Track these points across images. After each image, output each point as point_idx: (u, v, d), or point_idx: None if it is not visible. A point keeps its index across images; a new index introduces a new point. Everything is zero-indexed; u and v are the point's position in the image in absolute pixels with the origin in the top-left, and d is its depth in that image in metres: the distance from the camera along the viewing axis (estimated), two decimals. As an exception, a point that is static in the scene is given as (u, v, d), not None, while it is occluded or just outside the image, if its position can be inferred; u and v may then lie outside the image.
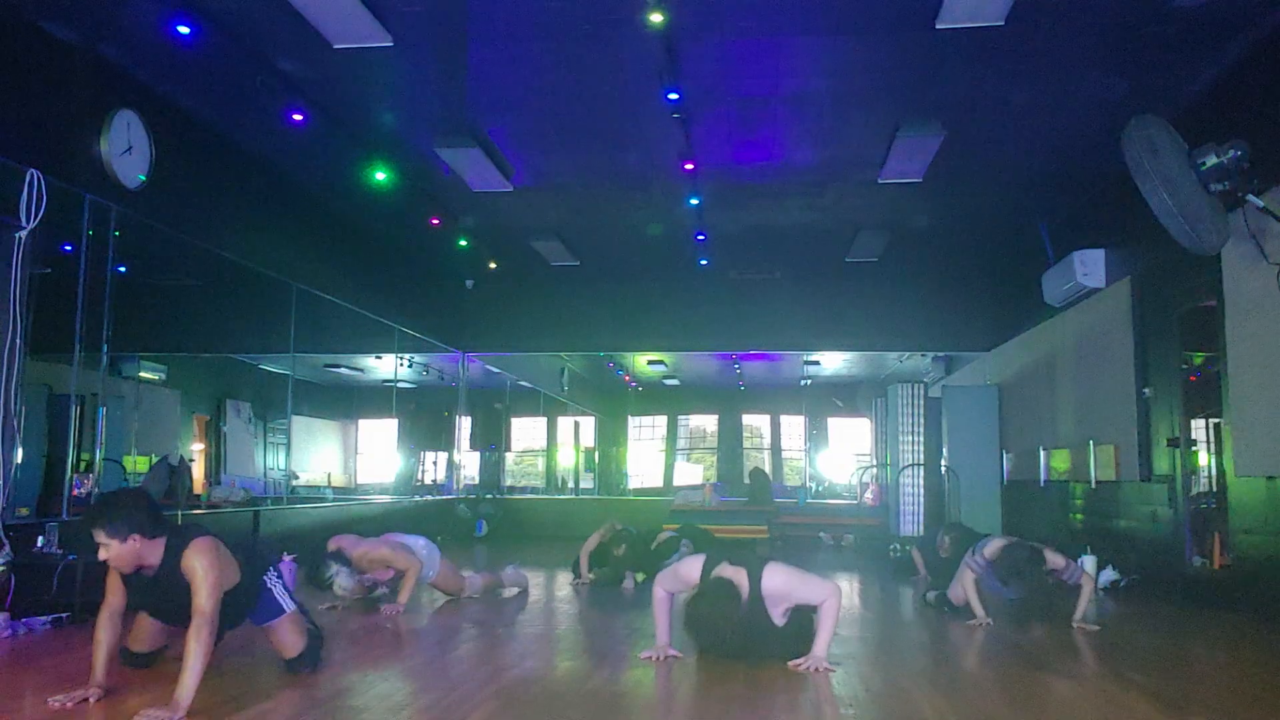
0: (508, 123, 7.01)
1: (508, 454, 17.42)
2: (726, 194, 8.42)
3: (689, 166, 7.37)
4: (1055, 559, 5.30)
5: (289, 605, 3.78)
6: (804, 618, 4.16)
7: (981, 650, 4.65)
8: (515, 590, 6.51)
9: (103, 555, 3.32)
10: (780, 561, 4.20)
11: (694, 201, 8.34)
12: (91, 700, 3.23)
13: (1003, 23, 5.23)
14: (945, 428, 11.15)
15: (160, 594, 3.45)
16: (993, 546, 5.37)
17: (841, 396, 18.94)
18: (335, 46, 5.61)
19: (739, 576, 4.06)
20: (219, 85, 6.25)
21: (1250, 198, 5.12)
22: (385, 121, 6.98)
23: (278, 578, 3.82)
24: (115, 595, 3.45)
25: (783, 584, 4.08)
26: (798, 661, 3.99)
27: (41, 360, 5.75)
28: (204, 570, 3.32)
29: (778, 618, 4.09)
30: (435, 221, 8.91)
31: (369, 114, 6.83)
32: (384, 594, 5.76)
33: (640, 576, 7.14)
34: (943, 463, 11.08)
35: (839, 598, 4.10)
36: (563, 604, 6.31)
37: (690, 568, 4.22)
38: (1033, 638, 5.00)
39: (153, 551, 3.38)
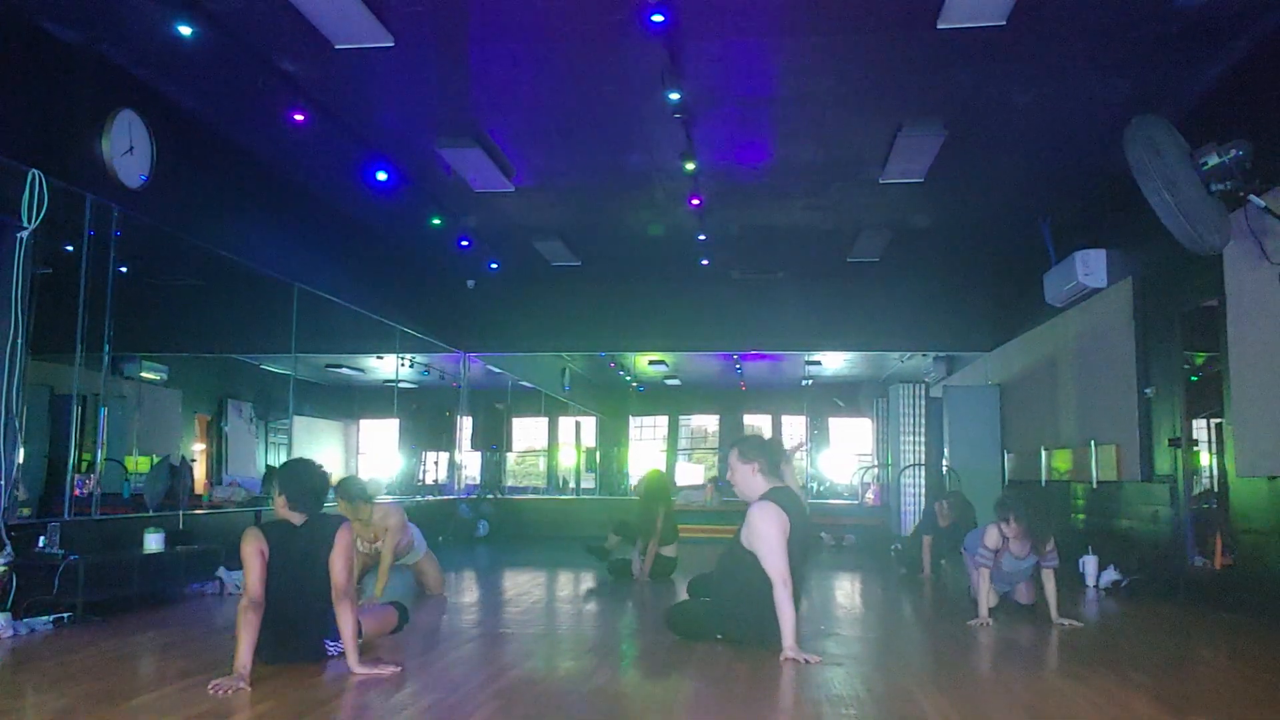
0: (509, 123, 7.01)
1: (509, 454, 17.41)
2: (728, 194, 8.42)
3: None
4: (1048, 541, 5.39)
5: None
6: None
7: (983, 650, 4.65)
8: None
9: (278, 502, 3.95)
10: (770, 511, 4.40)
11: (695, 202, 8.33)
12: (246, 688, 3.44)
13: (1004, 23, 5.23)
14: (946, 428, 11.14)
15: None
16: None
17: (843, 396, 18.92)
18: (336, 46, 5.62)
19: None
20: (221, 85, 6.25)
21: (1252, 198, 5.12)
22: (386, 121, 6.98)
23: None
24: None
25: (756, 522, 4.38)
26: (785, 656, 4.09)
27: (43, 361, 5.75)
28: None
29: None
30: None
31: (370, 114, 6.83)
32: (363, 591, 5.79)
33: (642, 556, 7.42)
34: (944, 463, 11.07)
35: (787, 589, 4.22)
36: (564, 604, 6.31)
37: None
38: (1033, 638, 4.99)
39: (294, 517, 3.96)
